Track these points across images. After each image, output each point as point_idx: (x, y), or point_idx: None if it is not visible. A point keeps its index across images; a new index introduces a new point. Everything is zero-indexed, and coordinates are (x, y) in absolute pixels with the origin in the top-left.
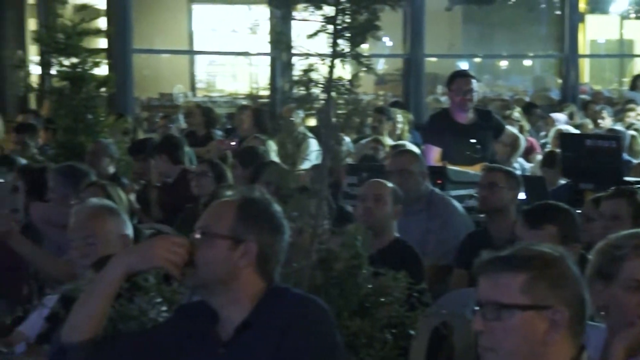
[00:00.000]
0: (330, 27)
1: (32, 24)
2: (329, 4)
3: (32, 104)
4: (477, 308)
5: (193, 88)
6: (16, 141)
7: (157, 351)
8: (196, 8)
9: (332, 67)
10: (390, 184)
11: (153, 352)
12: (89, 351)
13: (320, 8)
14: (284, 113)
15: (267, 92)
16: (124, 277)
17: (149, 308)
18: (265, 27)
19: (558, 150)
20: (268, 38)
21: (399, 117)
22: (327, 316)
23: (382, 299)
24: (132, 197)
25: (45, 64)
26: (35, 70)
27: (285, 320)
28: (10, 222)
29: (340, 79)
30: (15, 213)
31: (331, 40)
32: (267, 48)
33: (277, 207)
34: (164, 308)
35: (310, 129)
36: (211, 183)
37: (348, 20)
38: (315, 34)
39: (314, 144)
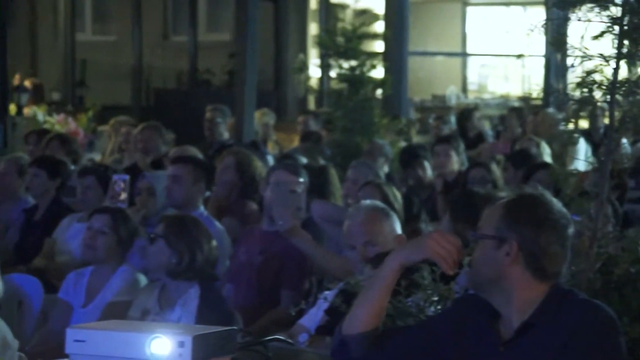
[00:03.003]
0: (616, 28)
1: (313, 29)
2: (616, 5)
3: (311, 105)
4: None
5: (465, 90)
6: (303, 146)
7: (436, 342)
8: (470, 10)
9: (617, 68)
10: None
11: (431, 343)
12: (368, 342)
13: (606, 9)
14: None
15: (540, 94)
16: (400, 269)
17: (426, 306)
18: (540, 28)
19: None
20: (543, 39)
21: None
22: (614, 323)
23: None
24: None
25: (324, 67)
26: (314, 72)
27: (572, 324)
28: (294, 219)
29: (626, 80)
30: (297, 211)
31: (616, 41)
32: (541, 49)
33: (548, 203)
34: (440, 306)
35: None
36: (487, 184)
37: (635, 21)
38: (601, 34)
39: (582, 145)
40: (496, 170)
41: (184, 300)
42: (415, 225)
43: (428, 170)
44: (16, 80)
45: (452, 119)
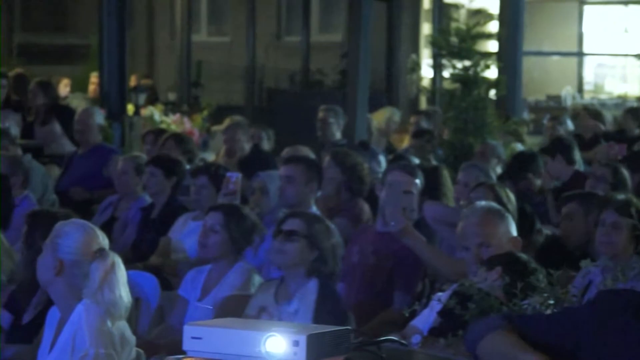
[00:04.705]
0: None
1: (426, 29)
2: None
3: (423, 105)
4: None
5: (581, 90)
6: (415, 146)
7: (577, 333)
8: (588, 9)
9: None
10: None
11: (572, 334)
12: None
13: None
14: None
15: None
16: None
17: (542, 309)
18: None
19: None
20: None
21: None
22: None
23: None
24: None
25: (437, 67)
26: (426, 73)
27: None
28: (406, 219)
29: None
30: (411, 212)
31: None
32: None
33: None
34: (556, 310)
35: None
36: (608, 188)
37: None
38: None
39: None
40: (624, 172)
41: (302, 293)
42: (529, 236)
43: (535, 179)
44: (132, 81)
45: (568, 119)
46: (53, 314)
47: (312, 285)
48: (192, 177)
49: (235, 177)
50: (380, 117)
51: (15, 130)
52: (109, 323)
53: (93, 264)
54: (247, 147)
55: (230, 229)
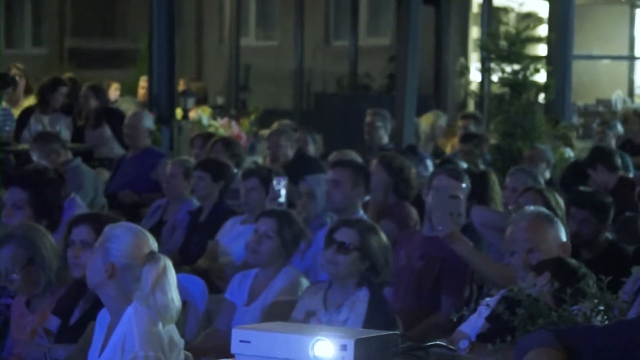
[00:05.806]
0: None
1: (474, 32)
2: None
3: (471, 109)
4: None
5: (631, 94)
6: (463, 150)
7: (632, 346)
8: (639, 13)
9: None
10: None
11: (628, 346)
12: None
13: None
14: None
15: None
16: None
17: (592, 315)
18: None
19: None
20: None
21: None
22: None
23: None
24: None
25: (485, 71)
26: (474, 76)
27: None
28: (453, 224)
29: None
30: (458, 217)
31: None
32: None
33: None
34: (606, 316)
35: None
36: None
37: None
38: None
39: None
40: None
41: (351, 302)
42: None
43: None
44: (181, 85)
45: (618, 124)
46: (103, 317)
47: (363, 295)
48: (242, 179)
49: (281, 181)
50: (426, 121)
51: (65, 134)
52: (159, 326)
53: (145, 267)
54: (290, 152)
55: (283, 235)
